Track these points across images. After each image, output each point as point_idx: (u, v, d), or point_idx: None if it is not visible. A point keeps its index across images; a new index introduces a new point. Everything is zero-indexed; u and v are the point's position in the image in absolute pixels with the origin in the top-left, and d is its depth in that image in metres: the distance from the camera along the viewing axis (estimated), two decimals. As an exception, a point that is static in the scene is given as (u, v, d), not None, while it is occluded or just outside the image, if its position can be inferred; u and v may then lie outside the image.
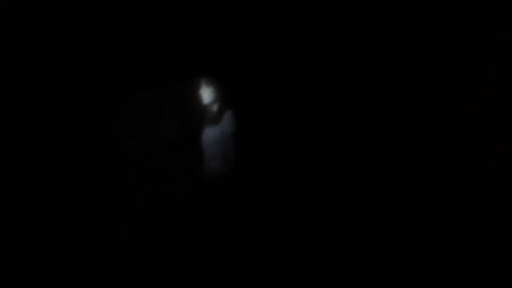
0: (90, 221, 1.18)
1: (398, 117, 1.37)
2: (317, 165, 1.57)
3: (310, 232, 1.39)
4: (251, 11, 1.69)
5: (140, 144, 1.32)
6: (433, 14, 1.37)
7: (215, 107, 1.64)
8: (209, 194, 1.40)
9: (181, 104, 1.54)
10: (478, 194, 1.18)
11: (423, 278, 1.01)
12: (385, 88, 1.43)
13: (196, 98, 1.59)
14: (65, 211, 1.16)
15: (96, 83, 1.60)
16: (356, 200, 1.28)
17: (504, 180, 1.20)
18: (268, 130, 1.62)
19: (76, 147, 1.31)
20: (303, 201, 1.55)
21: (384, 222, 1.14)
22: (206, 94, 1.63)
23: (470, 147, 1.23)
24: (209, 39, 1.73)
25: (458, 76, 1.30)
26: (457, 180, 1.23)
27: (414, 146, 1.33)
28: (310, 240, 1.35)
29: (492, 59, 1.27)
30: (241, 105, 1.62)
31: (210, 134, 1.61)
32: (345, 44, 1.50)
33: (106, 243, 1.12)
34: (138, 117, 1.40)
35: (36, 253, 1.14)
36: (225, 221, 1.35)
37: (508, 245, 1.16)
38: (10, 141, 1.38)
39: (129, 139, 1.29)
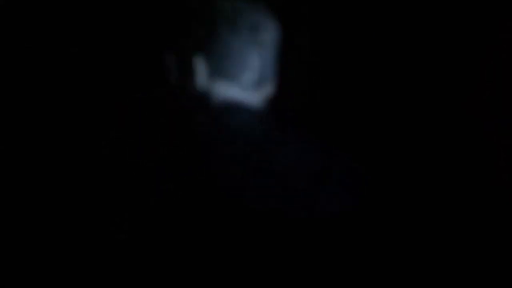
0: (90, 221, 1.17)
1: (402, 114, 1.38)
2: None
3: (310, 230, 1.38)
4: None
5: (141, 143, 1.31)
6: (433, 14, 1.39)
7: None
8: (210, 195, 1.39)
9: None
10: (486, 189, 1.18)
11: (428, 277, 1.01)
12: (387, 86, 1.44)
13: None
14: (65, 211, 1.16)
15: (96, 83, 1.59)
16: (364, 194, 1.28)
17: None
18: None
19: (76, 147, 1.30)
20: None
21: (390, 217, 1.13)
22: None
23: (478, 142, 1.23)
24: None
25: (461, 74, 1.31)
26: (465, 175, 1.23)
27: (421, 142, 1.33)
28: (310, 238, 1.35)
29: (492, 59, 1.28)
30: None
31: None
32: (345, 44, 1.50)
33: (106, 243, 1.11)
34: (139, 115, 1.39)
35: (35, 252, 1.13)
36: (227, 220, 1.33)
37: None
38: (10, 141, 1.37)
39: (130, 138, 1.29)
